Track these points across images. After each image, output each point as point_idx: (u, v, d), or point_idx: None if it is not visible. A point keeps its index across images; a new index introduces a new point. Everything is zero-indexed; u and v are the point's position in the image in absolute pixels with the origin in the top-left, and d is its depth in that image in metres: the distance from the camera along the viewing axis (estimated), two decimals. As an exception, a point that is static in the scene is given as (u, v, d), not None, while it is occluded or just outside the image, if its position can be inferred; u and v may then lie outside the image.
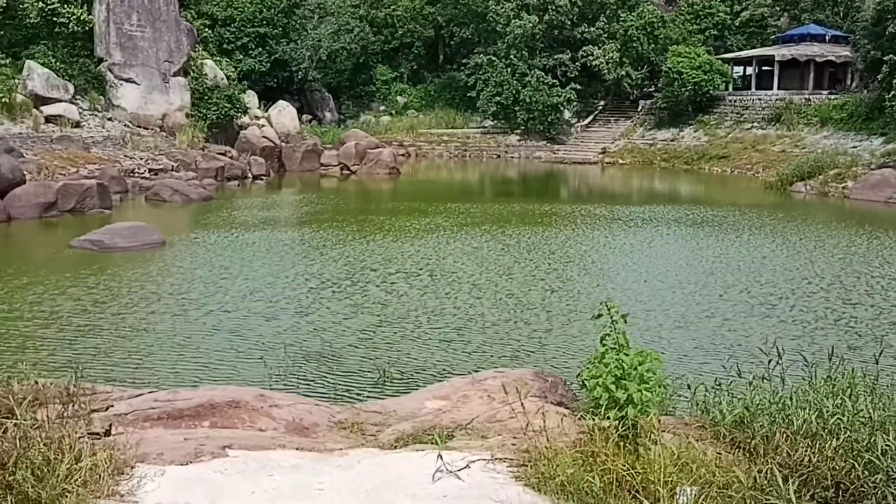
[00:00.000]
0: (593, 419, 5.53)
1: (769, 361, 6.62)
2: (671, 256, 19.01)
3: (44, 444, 4.82)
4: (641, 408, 5.40)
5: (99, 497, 4.76)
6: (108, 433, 6.44)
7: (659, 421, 5.60)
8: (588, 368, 5.68)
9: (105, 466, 4.96)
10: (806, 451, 5.05)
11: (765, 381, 6.30)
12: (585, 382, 5.66)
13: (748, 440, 5.45)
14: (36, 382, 6.42)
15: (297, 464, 6.08)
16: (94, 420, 6.66)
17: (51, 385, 6.63)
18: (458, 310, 13.79)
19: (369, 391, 10.01)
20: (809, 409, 5.40)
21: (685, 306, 14.21)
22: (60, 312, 13.11)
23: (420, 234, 21.35)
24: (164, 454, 6.05)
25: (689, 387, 6.50)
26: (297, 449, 6.50)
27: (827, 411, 5.35)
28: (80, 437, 5.53)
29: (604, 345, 5.65)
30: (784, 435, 5.24)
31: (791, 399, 5.67)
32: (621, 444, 5.34)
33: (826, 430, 5.17)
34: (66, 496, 4.55)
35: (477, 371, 9.84)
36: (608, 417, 5.46)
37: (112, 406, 7.53)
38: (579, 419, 6.65)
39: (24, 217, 22.40)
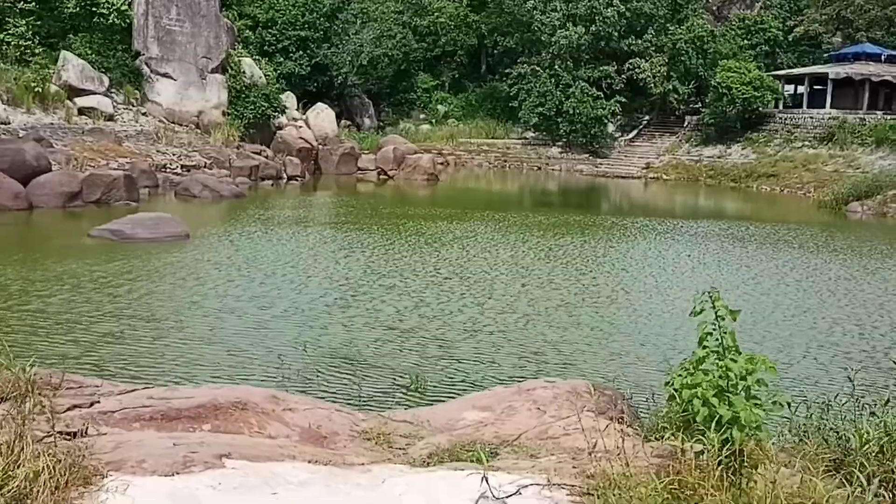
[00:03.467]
0: (687, 441, 4.29)
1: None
2: (735, 273, 17.63)
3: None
4: (749, 430, 4.16)
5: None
6: (83, 433, 5.34)
7: (770, 448, 4.36)
8: (680, 375, 4.44)
9: (53, 476, 3.79)
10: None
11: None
12: (676, 393, 4.42)
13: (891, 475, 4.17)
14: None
15: (307, 480, 4.92)
16: (71, 418, 5.61)
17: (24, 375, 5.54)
18: (500, 316, 12.59)
19: (399, 399, 8.83)
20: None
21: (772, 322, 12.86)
22: (64, 302, 12.13)
23: (458, 240, 20.18)
24: (145, 462, 4.89)
25: (792, 405, 5.19)
26: (309, 461, 5.32)
27: None
28: (42, 439, 4.44)
29: (704, 347, 4.40)
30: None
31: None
32: (723, 475, 4.10)
33: None
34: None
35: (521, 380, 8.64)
36: (701, 440, 4.23)
37: (98, 402, 6.45)
38: (650, 440, 5.44)
39: (47, 206, 21.64)
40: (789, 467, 4.35)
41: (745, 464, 4.15)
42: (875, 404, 5.04)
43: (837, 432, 4.68)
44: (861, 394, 5.51)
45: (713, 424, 4.18)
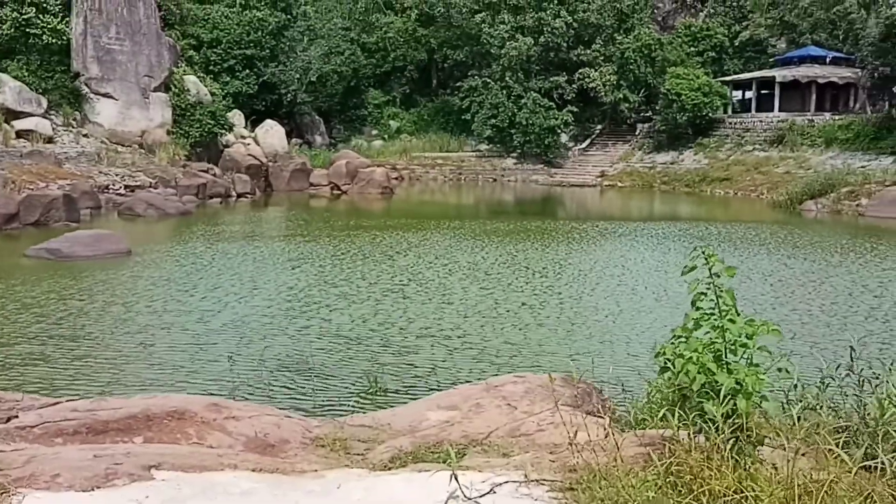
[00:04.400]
0: (683, 420, 3.72)
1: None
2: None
3: None
4: (755, 399, 3.61)
5: None
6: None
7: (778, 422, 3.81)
8: (672, 343, 3.87)
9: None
10: None
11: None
12: (669, 363, 3.85)
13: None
14: None
15: (251, 489, 4.27)
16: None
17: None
18: (460, 319, 11.99)
19: (357, 404, 8.17)
20: None
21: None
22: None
23: (414, 248, 19.58)
24: (60, 476, 4.22)
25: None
26: (253, 470, 4.66)
27: None
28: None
29: (698, 308, 3.85)
30: None
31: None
32: (726, 454, 3.53)
33: None
34: None
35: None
36: (702, 413, 3.67)
37: (16, 417, 5.74)
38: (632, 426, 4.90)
39: (-19, 229, 20.58)
40: (798, 442, 3.81)
41: (751, 440, 3.60)
42: (878, 377, 4.53)
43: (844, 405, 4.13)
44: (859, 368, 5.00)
45: (713, 396, 3.62)
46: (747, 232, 23.99)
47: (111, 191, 28.78)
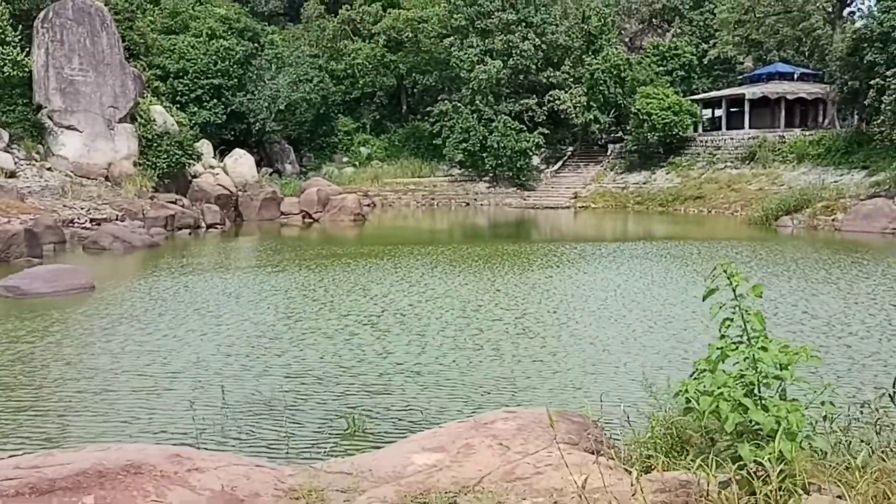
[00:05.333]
0: (705, 467, 3.20)
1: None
2: (685, 291, 16.84)
3: None
4: (800, 441, 3.09)
5: None
6: None
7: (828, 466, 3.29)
8: (695, 378, 3.35)
9: None
10: None
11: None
12: (693, 401, 3.32)
13: None
14: None
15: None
16: None
17: None
18: (440, 351, 11.41)
19: (335, 448, 7.56)
20: None
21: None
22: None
23: (388, 276, 19.00)
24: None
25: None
26: (218, 531, 4.08)
27: None
28: None
29: (724, 336, 3.33)
30: None
31: None
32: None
33: None
34: None
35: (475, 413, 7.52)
36: (736, 458, 3.14)
37: (-51, 477, 5.06)
38: (641, 472, 4.36)
39: (-64, 267, 19.70)
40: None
41: (797, 488, 3.08)
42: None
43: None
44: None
45: (747, 435, 3.10)
46: (727, 250, 23.69)
47: (76, 225, 27.97)
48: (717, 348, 3.34)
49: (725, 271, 3.37)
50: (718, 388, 3.20)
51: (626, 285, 17.07)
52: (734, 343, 3.31)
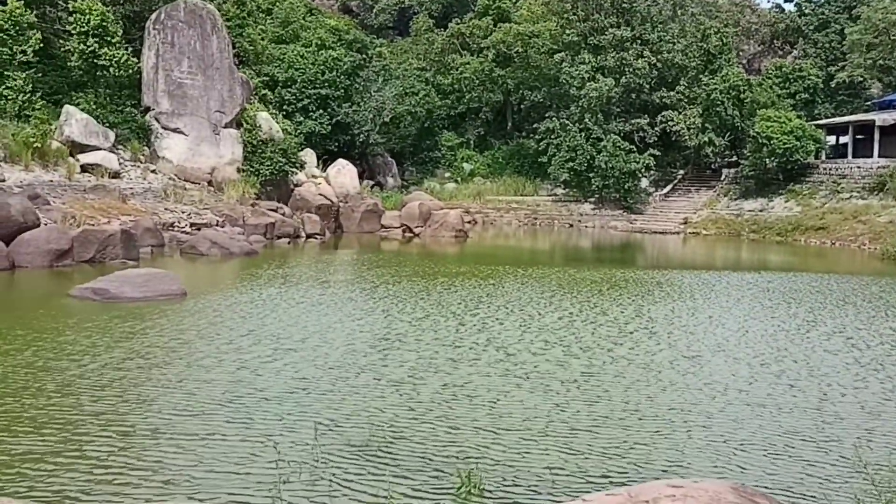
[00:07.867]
0: None
1: None
2: (834, 336, 14.84)
3: None
4: None
5: None
6: None
7: None
8: None
9: None
10: None
11: None
12: None
13: None
14: None
15: None
16: None
17: None
18: (560, 396, 9.89)
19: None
20: None
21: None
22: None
23: (491, 300, 17.54)
24: None
25: None
26: None
27: None
28: None
29: None
30: None
31: None
32: None
33: None
34: None
35: (602, 482, 5.98)
36: None
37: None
38: None
39: (32, 266, 19.23)
40: None
41: None
42: None
43: None
44: None
45: None
46: (875, 286, 21.32)
47: (176, 228, 27.58)
48: None
49: None
50: None
51: (770, 320, 15.15)
52: None
